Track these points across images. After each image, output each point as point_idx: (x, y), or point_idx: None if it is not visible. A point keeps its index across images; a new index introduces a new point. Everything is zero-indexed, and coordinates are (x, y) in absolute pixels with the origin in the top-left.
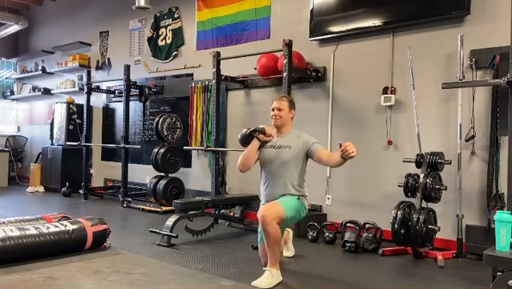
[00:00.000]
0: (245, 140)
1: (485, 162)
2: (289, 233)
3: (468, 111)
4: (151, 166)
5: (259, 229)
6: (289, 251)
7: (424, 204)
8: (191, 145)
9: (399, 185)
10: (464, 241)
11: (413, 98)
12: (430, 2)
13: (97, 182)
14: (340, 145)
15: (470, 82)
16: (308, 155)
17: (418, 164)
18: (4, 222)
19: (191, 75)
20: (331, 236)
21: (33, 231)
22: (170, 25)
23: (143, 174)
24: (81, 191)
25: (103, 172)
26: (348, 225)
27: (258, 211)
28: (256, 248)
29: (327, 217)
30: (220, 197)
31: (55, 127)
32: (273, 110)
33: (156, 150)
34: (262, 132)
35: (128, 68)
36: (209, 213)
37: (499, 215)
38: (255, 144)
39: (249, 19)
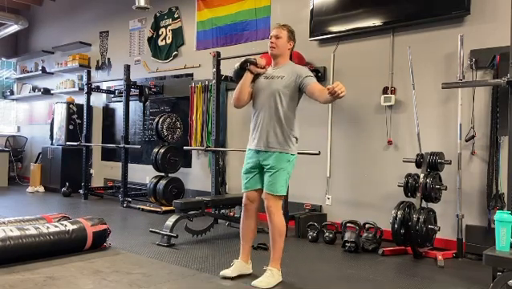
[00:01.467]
0: (238, 75)
1: (485, 162)
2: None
3: (468, 111)
4: (151, 166)
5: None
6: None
7: (424, 204)
8: (191, 145)
9: (399, 185)
10: (464, 241)
11: (413, 98)
12: (430, 2)
13: (97, 182)
14: (328, 89)
15: (470, 82)
16: (301, 87)
17: (418, 164)
18: (4, 222)
19: (191, 75)
20: (331, 236)
21: (33, 231)
22: (170, 25)
23: (143, 174)
24: (81, 191)
25: (103, 172)
26: (348, 225)
27: (264, 199)
28: (256, 248)
29: (327, 217)
30: (220, 197)
31: (55, 127)
32: (270, 38)
33: (156, 150)
34: (254, 62)
35: (127, 68)
36: (209, 213)
37: (499, 215)
38: (248, 76)
39: (249, 19)
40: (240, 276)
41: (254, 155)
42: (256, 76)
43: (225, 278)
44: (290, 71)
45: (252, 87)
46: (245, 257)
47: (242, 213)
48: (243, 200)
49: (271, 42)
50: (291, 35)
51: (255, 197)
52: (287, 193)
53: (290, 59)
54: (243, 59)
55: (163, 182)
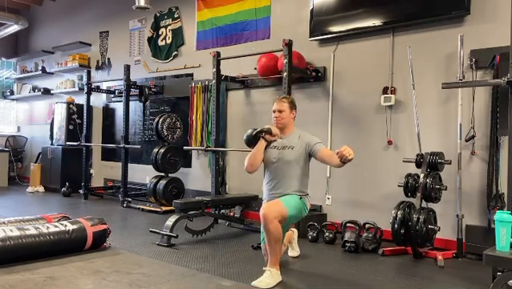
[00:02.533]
0: (251, 141)
1: (485, 162)
2: (294, 233)
3: (468, 111)
4: (151, 166)
5: (262, 228)
6: (294, 251)
7: (424, 204)
8: (191, 145)
9: (399, 185)
10: (464, 241)
11: (413, 98)
12: (430, 2)
13: (97, 182)
14: (337, 153)
15: (470, 82)
16: (311, 155)
17: (418, 164)
18: (4, 222)
19: (191, 75)
20: (331, 236)
21: (33, 231)
22: (170, 25)
23: (143, 174)
24: (81, 191)
25: (103, 172)
26: (348, 225)
27: (260, 209)
28: (256, 248)
29: (327, 217)
30: (220, 197)
31: (55, 127)
32: (274, 112)
33: (156, 150)
34: (269, 132)
35: (127, 68)
36: (209, 213)
37: (499, 215)
38: (262, 144)
39: (249, 19)
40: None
41: None
42: (268, 143)
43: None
44: (300, 140)
45: (263, 154)
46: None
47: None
48: (262, 251)
49: (276, 117)
50: (292, 105)
51: None
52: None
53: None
54: (258, 128)
55: (163, 182)
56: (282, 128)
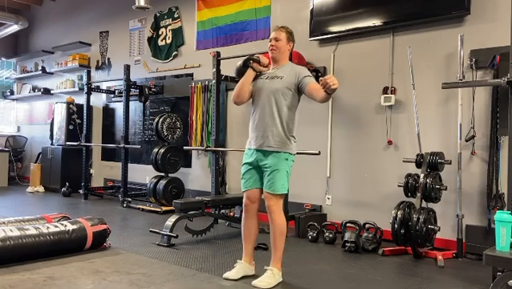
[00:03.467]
0: (241, 72)
1: (485, 162)
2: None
3: (468, 112)
4: (151, 166)
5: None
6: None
7: (424, 204)
8: (191, 145)
9: (399, 185)
10: (464, 241)
11: (413, 98)
12: (430, 2)
13: (97, 182)
14: (321, 81)
15: (470, 82)
16: (300, 87)
17: (418, 164)
18: (4, 222)
19: (191, 75)
20: (331, 236)
21: (33, 231)
22: (170, 25)
23: (143, 174)
24: (81, 191)
25: (103, 172)
26: (348, 225)
27: (265, 198)
28: (256, 248)
29: (327, 217)
30: (220, 197)
31: (55, 127)
32: (270, 40)
33: (156, 150)
34: (257, 60)
35: (127, 68)
36: (209, 213)
37: (499, 215)
38: (250, 73)
39: (249, 19)
40: (243, 277)
41: (253, 154)
42: (257, 75)
43: (227, 279)
44: (290, 71)
45: (252, 86)
46: (248, 258)
47: (243, 214)
48: (243, 200)
49: (271, 45)
50: (290, 36)
51: (255, 196)
52: (288, 192)
53: (290, 59)
54: (246, 56)
55: (163, 182)
56: (275, 58)
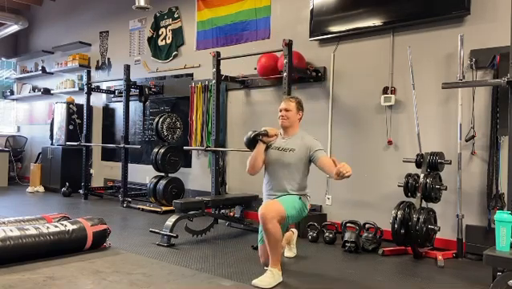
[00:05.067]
0: (251, 143)
1: (485, 162)
2: (293, 234)
3: (468, 111)
4: (151, 166)
5: (260, 228)
6: (291, 252)
7: (424, 204)
8: (191, 145)
9: (399, 185)
10: (464, 241)
11: (413, 98)
12: (430, 2)
13: (97, 182)
14: (334, 163)
15: (470, 82)
16: (311, 160)
17: (418, 164)
18: (4, 222)
19: (191, 75)
20: (331, 236)
21: (33, 231)
22: (170, 25)
23: (143, 174)
24: (81, 191)
25: (103, 172)
26: (348, 225)
27: (259, 209)
28: (256, 248)
29: (327, 217)
30: (220, 197)
31: (55, 127)
32: (280, 111)
33: (156, 150)
34: (265, 134)
35: (127, 68)
36: (209, 213)
37: (499, 215)
38: (261, 146)
39: (249, 19)
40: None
41: None
42: (267, 146)
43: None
44: (301, 143)
45: (265, 155)
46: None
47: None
48: (258, 252)
49: (282, 116)
50: (300, 106)
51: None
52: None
53: (290, 61)
54: (256, 130)
55: (163, 182)
56: (286, 128)
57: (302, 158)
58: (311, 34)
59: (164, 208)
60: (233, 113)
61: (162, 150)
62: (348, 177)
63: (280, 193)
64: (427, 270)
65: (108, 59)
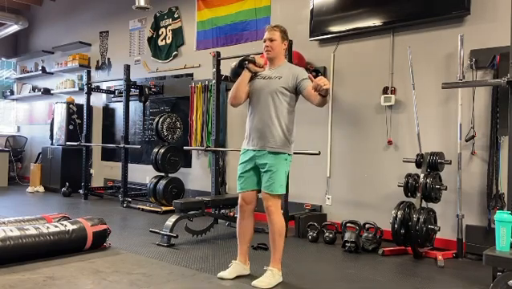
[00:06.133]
0: (236, 73)
1: (485, 162)
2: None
3: (468, 111)
4: (151, 166)
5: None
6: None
7: (424, 204)
8: (191, 145)
9: (399, 185)
10: (464, 241)
11: (413, 98)
12: (430, 2)
13: (97, 182)
14: (311, 79)
15: (470, 82)
16: (298, 89)
17: (418, 164)
18: (4, 222)
19: (191, 75)
20: (331, 236)
21: (33, 231)
22: (170, 25)
23: (143, 174)
24: (81, 191)
25: (103, 172)
26: (348, 225)
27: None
28: (256, 248)
29: (327, 217)
30: (220, 197)
31: (55, 127)
32: (264, 41)
33: (156, 150)
34: (252, 61)
35: (127, 68)
36: (209, 213)
37: (499, 215)
38: (246, 74)
39: (249, 19)
40: (238, 277)
41: (250, 155)
42: (253, 76)
43: (222, 279)
44: (288, 71)
45: (249, 87)
46: (243, 258)
47: (238, 215)
48: (239, 201)
49: (266, 46)
50: (284, 35)
51: (251, 198)
52: (287, 192)
53: (290, 60)
54: (242, 57)
55: (163, 182)
56: (271, 59)
57: (288, 84)
58: (311, 34)
59: (164, 208)
60: (233, 113)
61: (162, 150)
62: (326, 90)
63: (263, 146)
64: (427, 270)
65: (108, 59)
